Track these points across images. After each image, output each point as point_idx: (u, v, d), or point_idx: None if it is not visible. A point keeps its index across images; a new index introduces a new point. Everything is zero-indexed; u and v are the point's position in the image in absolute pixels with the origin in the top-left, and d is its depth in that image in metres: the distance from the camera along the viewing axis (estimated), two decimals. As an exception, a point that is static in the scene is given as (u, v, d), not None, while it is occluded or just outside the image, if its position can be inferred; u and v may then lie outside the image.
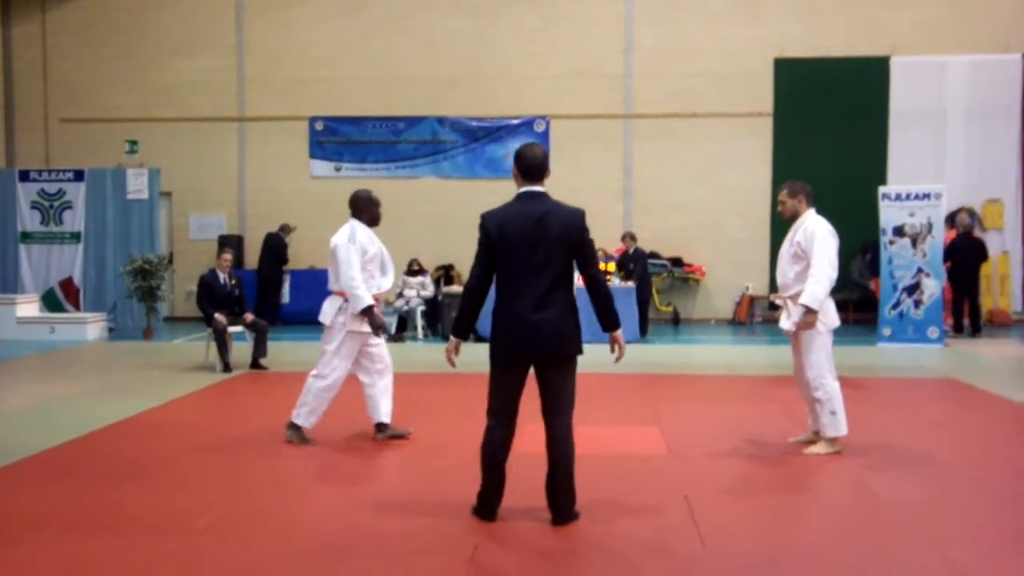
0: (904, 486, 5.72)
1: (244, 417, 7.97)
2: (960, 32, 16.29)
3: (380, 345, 6.74)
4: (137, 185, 15.69)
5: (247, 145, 17.37)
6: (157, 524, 4.85)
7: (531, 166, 4.78)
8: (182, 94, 17.25)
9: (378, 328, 6.52)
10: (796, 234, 6.53)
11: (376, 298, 6.62)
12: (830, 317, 6.30)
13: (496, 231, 4.71)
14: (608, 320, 4.96)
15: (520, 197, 4.80)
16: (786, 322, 6.35)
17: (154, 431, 7.27)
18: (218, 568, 4.24)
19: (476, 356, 12.58)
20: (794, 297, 6.27)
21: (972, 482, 5.77)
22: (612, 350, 5.00)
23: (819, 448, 6.31)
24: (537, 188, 4.80)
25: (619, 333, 4.97)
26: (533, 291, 4.68)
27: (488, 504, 4.84)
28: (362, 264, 6.84)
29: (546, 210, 4.70)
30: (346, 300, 6.62)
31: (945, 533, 4.72)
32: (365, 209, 7.40)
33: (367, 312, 6.48)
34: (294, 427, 6.64)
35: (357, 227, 7.13)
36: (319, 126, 17.22)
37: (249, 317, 10.75)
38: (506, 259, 4.72)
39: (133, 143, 17.29)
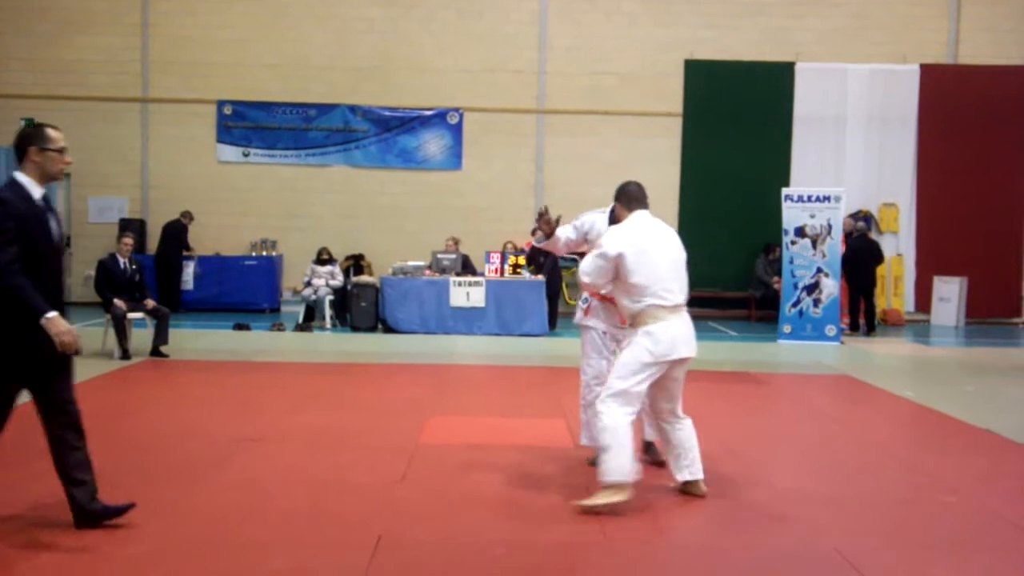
0: (798, 478, 5.89)
1: (141, 405, 7.75)
2: (861, 42, 16.84)
3: None
4: (33, 165, 15.09)
5: (151, 127, 16.85)
6: (39, 518, 4.67)
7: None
8: (82, 73, 16.63)
9: None
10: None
11: None
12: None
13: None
14: None
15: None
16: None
17: (45, 420, 7.01)
18: (110, 560, 4.11)
19: (380, 347, 12.53)
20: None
21: (863, 475, 5.98)
22: None
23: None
24: None
25: None
26: None
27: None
28: None
29: None
30: None
31: (836, 524, 4.87)
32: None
33: None
34: None
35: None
36: (227, 110, 16.82)
37: (151, 303, 10.48)
38: None
39: (29, 121, 16.62)
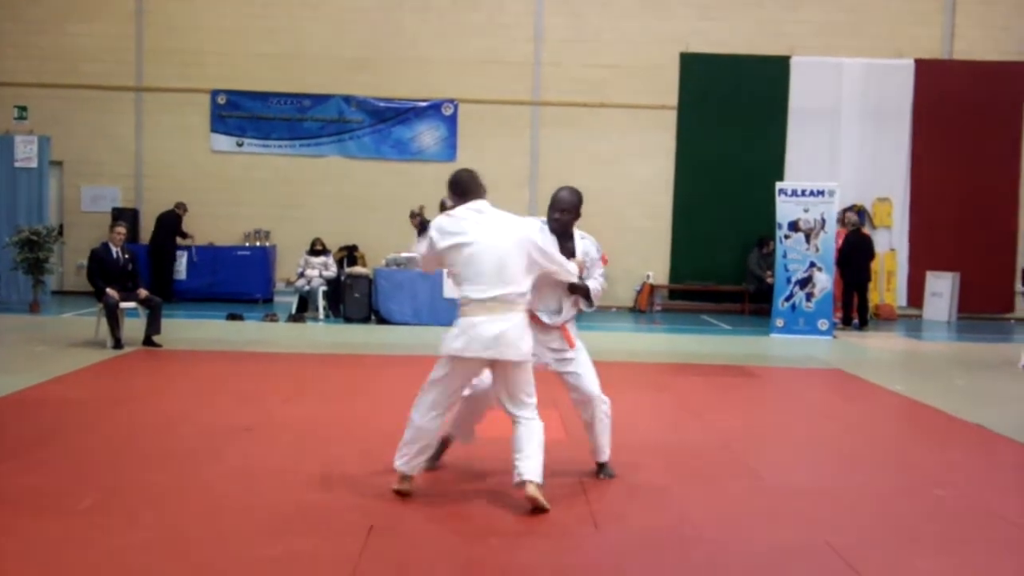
0: (789, 471, 5.92)
1: (134, 395, 7.74)
2: (856, 36, 16.86)
3: None
4: (26, 153, 15.05)
5: (144, 116, 16.80)
6: (38, 504, 4.68)
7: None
8: (76, 61, 16.57)
9: None
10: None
11: None
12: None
13: None
14: None
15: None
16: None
17: (37, 408, 7.00)
18: (104, 548, 4.11)
19: (374, 338, 12.54)
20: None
21: (854, 468, 6.00)
22: None
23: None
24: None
25: None
26: None
27: None
28: None
29: None
30: None
31: (827, 518, 4.90)
32: None
33: None
34: None
35: None
36: (221, 100, 16.78)
37: (143, 292, 10.45)
38: None
39: (22, 109, 16.56)
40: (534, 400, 4.94)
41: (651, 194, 16.88)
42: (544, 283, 5.15)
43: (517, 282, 4.79)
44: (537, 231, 5.07)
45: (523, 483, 4.73)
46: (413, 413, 4.93)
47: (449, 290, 13.29)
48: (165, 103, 16.75)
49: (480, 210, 4.91)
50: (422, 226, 5.60)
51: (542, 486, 4.74)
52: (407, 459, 4.93)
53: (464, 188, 4.99)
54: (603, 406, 5.32)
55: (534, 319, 5.15)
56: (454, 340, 4.78)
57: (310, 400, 7.68)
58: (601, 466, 5.45)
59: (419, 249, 5.11)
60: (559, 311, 5.29)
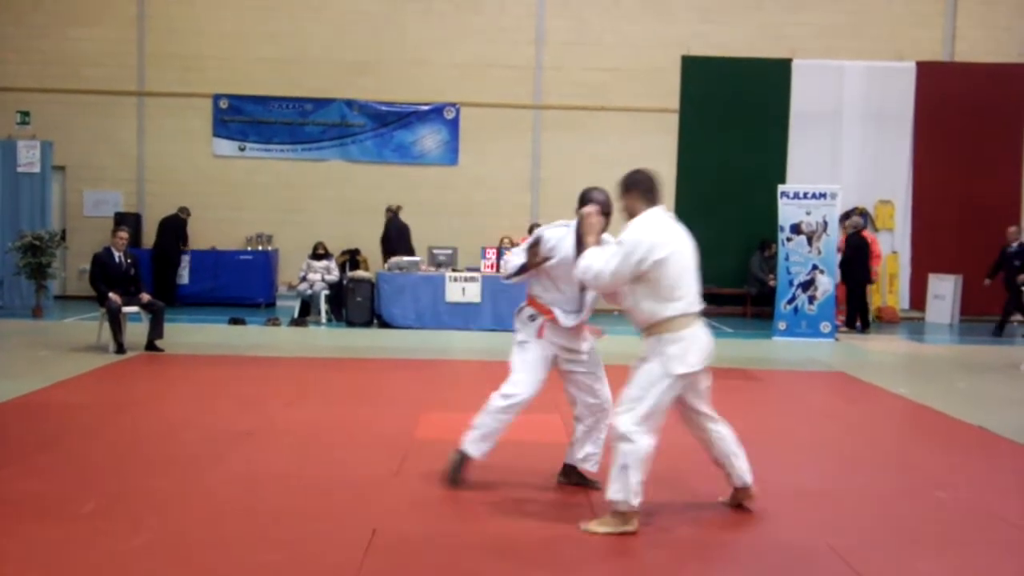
0: (792, 473, 5.91)
1: (136, 399, 7.75)
2: (858, 39, 16.86)
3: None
4: (28, 158, 15.05)
5: (147, 120, 16.82)
6: (40, 509, 4.69)
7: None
8: (78, 66, 16.60)
9: None
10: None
11: None
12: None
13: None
14: None
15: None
16: None
17: (39, 413, 7.01)
18: (106, 553, 4.12)
19: (376, 342, 12.54)
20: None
21: (857, 471, 6.00)
22: None
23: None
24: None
25: None
26: None
27: None
28: None
29: None
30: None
31: (829, 520, 4.90)
32: None
33: None
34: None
35: None
36: (223, 104, 16.80)
37: (146, 297, 10.46)
38: None
39: (25, 114, 16.58)
40: None
41: (653, 197, 16.84)
42: (564, 280, 5.06)
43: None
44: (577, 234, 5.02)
45: (747, 486, 4.87)
46: (650, 440, 4.50)
47: (453, 295, 13.32)
48: (167, 107, 16.78)
49: (664, 214, 4.71)
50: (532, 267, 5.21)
51: None
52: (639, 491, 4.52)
53: (655, 190, 4.73)
54: (611, 415, 4.96)
55: (551, 316, 5.12)
56: (687, 355, 4.51)
57: (312, 404, 7.68)
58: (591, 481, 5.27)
59: (613, 263, 4.52)
60: (579, 310, 5.20)
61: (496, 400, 5.22)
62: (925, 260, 16.79)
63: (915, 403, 8.40)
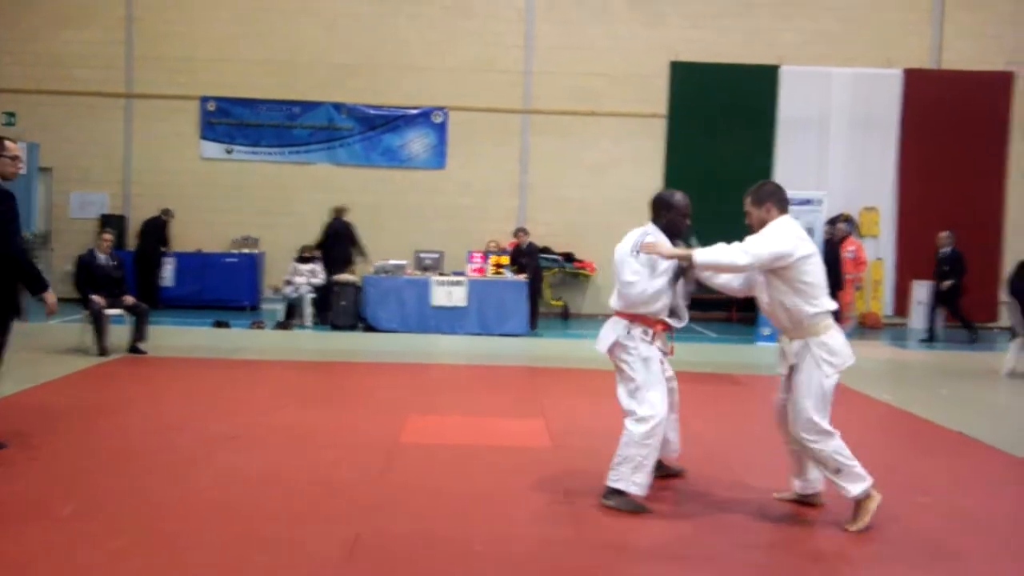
0: (775, 478, 5.93)
1: (118, 402, 7.71)
2: (846, 46, 16.95)
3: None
4: (13, 159, 14.98)
5: (134, 123, 16.78)
6: (21, 511, 4.66)
7: None
8: (66, 67, 16.55)
9: None
10: None
11: None
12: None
13: None
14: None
15: None
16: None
17: (20, 415, 6.96)
18: (87, 555, 4.10)
19: (361, 345, 12.52)
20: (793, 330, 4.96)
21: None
22: None
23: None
24: None
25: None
26: None
27: None
28: None
29: None
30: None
31: (813, 525, 4.92)
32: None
33: None
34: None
35: None
36: (211, 107, 16.77)
37: (129, 299, 10.42)
38: None
39: (11, 115, 16.51)
40: None
41: (640, 203, 16.50)
42: (669, 288, 5.12)
43: None
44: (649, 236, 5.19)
45: (818, 493, 5.17)
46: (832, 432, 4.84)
47: (439, 298, 13.31)
48: (155, 110, 16.73)
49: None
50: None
51: None
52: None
53: (784, 199, 4.99)
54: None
55: (663, 327, 5.20)
56: (847, 348, 4.87)
57: (297, 407, 7.67)
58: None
59: (772, 246, 4.71)
60: (677, 313, 5.29)
61: (636, 427, 4.97)
62: (909, 267, 16.89)
63: (898, 409, 8.44)
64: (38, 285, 5.93)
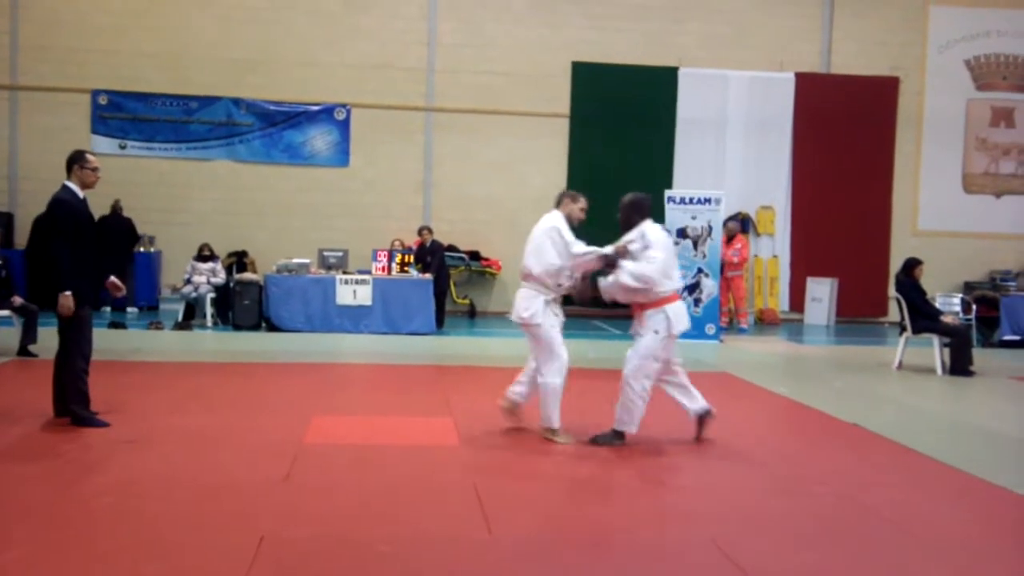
0: (679, 471, 6.05)
1: (9, 407, 7.40)
2: (740, 49, 17.41)
3: None
4: None
5: (20, 115, 16.10)
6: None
7: None
8: (-55, 56, 15.78)
9: None
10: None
11: None
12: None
13: None
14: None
15: None
16: None
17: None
18: (-28, 569, 3.91)
19: (264, 345, 12.28)
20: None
21: (741, 467, 6.18)
22: None
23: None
24: None
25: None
26: None
27: None
28: None
29: None
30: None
31: (713, 515, 5.03)
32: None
33: None
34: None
35: None
36: (103, 100, 16.21)
37: (18, 300, 10.01)
38: None
39: None
40: None
41: (545, 201, 16.73)
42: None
43: None
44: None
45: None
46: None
47: (344, 297, 13.16)
48: (42, 103, 16.07)
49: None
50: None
51: None
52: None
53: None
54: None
55: (675, 298, 6.92)
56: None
57: (197, 410, 7.47)
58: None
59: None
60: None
61: (643, 383, 6.74)
62: (803, 264, 17.45)
63: (794, 402, 8.71)
64: (60, 285, 6.57)
